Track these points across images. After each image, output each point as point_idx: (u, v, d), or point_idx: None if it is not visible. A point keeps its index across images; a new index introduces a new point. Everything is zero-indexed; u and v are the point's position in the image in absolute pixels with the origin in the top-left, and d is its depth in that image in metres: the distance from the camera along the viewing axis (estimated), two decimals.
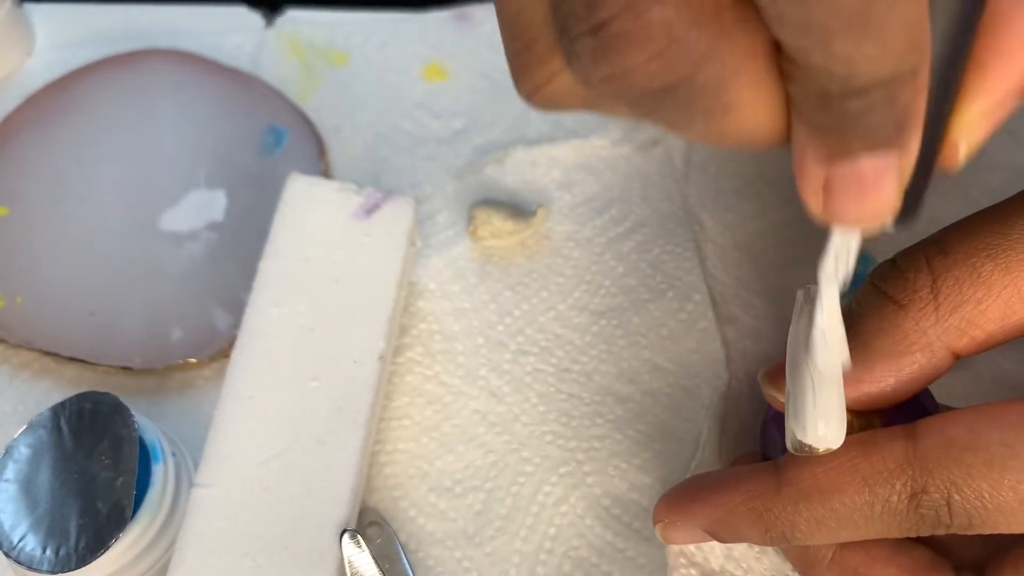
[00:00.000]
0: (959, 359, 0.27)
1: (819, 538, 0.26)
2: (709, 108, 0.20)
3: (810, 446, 0.25)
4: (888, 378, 0.26)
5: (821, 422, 0.25)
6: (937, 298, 0.26)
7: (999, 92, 0.23)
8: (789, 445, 0.26)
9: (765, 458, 0.33)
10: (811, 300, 0.24)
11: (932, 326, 0.26)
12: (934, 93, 0.22)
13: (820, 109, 0.20)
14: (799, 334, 0.25)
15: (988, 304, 0.26)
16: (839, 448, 0.25)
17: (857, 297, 0.28)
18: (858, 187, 0.21)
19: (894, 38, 0.19)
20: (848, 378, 0.26)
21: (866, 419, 0.27)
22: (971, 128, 0.23)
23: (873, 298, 0.27)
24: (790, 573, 0.33)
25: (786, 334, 0.39)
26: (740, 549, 0.33)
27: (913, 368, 0.26)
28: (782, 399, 0.28)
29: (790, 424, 0.25)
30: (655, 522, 0.30)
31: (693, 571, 0.32)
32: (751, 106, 0.20)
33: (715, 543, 0.33)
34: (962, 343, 0.26)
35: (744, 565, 0.33)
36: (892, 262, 0.28)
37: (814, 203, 0.21)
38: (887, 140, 0.21)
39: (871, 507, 0.25)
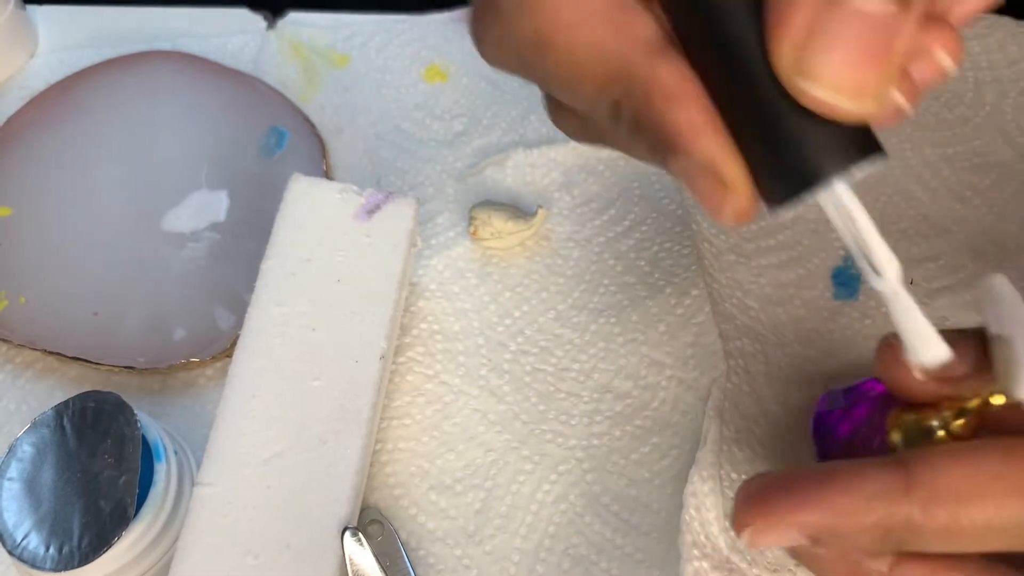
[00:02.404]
0: None
1: (942, 546, 0.24)
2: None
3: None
4: None
5: (925, 344, 0.24)
6: None
7: (805, 9, 0.20)
8: (919, 364, 0.25)
9: (825, 454, 0.32)
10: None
11: None
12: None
13: None
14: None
15: None
16: (980, 455, 0.24)
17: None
18: (686, 186, 0.21)
19: None
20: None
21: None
22: (796, 63, 0.20)
23: None
24: (792, 567, 0.33)
25: (781, 335, 0.39)
26: None
27: None
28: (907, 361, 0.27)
29: (918, 343, 0.24)
30: (741, 527, 0.25)
31: (705, 563, 0.33)
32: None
33: (720, 532, 0.33)
34: None
35: (749, 558, 0.33)
36: None
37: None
38: (658, 155, 0.21)
39: (1016, 517, 0.23)
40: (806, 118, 0.20)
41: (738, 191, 0.22)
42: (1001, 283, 0.25)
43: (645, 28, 0.22)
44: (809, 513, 0.24)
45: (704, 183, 0.22)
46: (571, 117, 0.27)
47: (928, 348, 0.24)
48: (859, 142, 0.21)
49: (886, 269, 0.22)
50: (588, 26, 0.22)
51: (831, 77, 0.20)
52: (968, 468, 0.24)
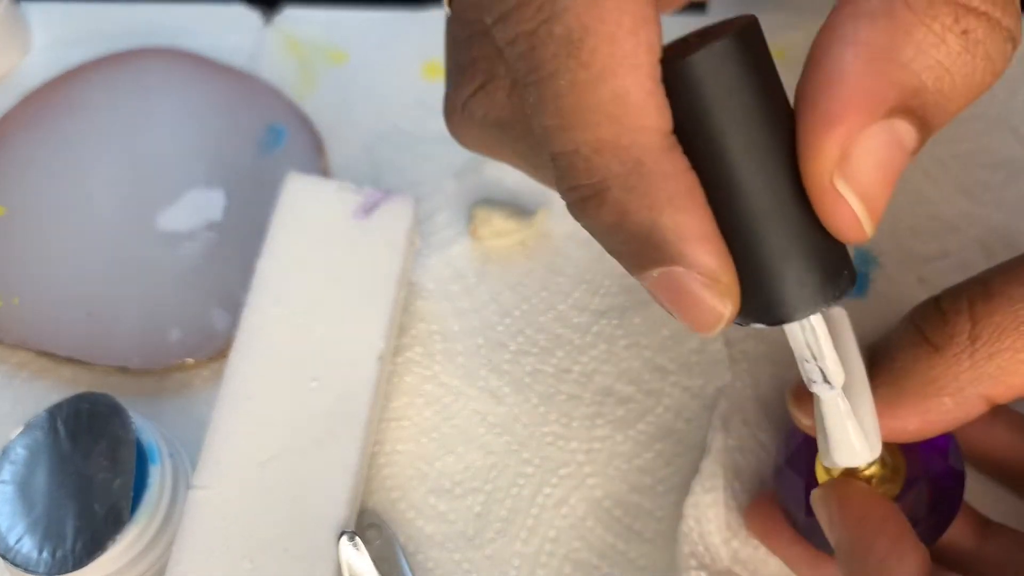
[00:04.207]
0: (995, 405, 0.26)
1: None
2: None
3: (847, 467, 0.26)
4: (912, 419, 0.26)
5: (848, 448, 0.25)
6: (975, 344, 0.25)
7: (850, 122, 0.20)
8: (827, 463, 0.26)
9: (786, 504, 0.32)
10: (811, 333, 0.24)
11: (965, 372, 0.25)
12: (756, 152, 0.21)
13: None
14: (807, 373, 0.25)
15: None
16: None
17: (895, 333, 0.27)
18: (666, 296, 0.22)
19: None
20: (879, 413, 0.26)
21: (887, 451, 0.27)
22: (829, 181, 0.20)
23: (910, 336, 0.27)
24: None
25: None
26: (747, 551, 0.33)
27: (940, 412, 0.26)
28: (807, 422, 0.28)
29: (822, 448, 0.26)
30: None
31: (703, 573, 0.32)
32: None
33: (721, 543, 0.33)
34: (997, 391, 0.25)
35: (751, 567, 0.33)
36: (935, 301, 0.27)
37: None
38: (643, 259, 0.22)
39: None
40: (806, 249, 0.21)
41: (733, 306, 0.22)
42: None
43: (663, 120, 0.21)
44: None
45: (701, 293, 0.22)
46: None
47: (852, 454, 0.25)
48: (842, 276, 0.23)
49: (836, 381, 0.24)
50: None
51: (868, 185, 0.21)
52: None
